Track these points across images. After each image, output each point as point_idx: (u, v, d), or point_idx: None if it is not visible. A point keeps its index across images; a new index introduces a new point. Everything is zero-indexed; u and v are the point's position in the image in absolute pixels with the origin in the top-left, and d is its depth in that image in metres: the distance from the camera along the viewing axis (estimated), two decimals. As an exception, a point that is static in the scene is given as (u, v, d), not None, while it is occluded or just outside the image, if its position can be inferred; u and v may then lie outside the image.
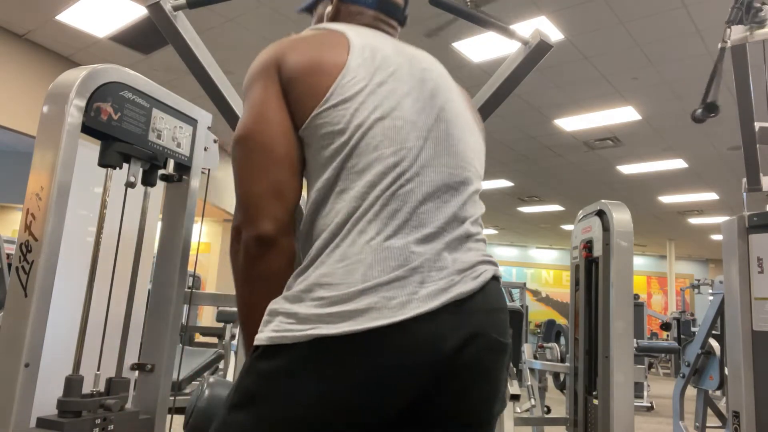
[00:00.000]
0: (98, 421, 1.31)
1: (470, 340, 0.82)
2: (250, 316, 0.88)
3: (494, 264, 0.92)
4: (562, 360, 3.66)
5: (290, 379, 0.77)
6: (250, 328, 0.87)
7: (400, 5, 1.10)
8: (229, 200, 8.24)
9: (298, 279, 0.84)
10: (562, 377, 3.90)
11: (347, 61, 0.90)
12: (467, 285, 0.84)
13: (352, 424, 0.78)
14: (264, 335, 0.80)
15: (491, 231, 14.35)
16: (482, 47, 4.82)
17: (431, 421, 0.83)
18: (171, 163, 1.54)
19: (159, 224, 1.65)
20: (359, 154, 0.86)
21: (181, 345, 1.68)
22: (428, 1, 1.46)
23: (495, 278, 0.90)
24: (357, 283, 0.79)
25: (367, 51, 0.94)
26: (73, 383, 1.30)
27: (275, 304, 0.83)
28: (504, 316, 0.89)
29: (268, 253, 0.85)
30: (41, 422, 1.24)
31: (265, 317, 0.83)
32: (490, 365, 0.85)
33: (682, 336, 8.16)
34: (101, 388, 1.38)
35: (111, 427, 1.33)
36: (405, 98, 0.92)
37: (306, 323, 0.78)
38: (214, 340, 3.98)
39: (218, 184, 8.01)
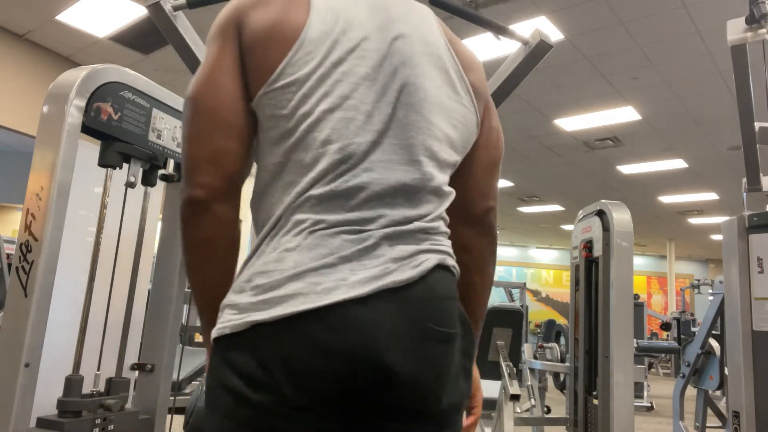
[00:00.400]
0: (98, 421, 1.31)
1: (406, 329, 0.80)
2: (194, 287, 0.89)
3: (443, 253, 0.87)
4: (562, 360, 3.66)
5: (228, 367, 0.79)
6: (197, 301, 0.89)
7: None
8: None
9: (243, 269, 0.84)
10: (562, 377, 3.90)
11: (302, 33, 0.84)
12: (404, 273, 0.81)
13: (290, 410, 0.78)
14: (214, 330, 0.82)
15: (491, 231, 14.35)
16: (482, 47, 4.82)
17: (382, 413, 0.82)
18: (171, 163, 1.54)
19: (159, 224, 1.65)
20: (306, 148, 0.84)
21: (181, 345, 1.68)
22: (428, 1, 1.46)
23: (441, 267, 0.85)
24: (288, 270, 0.79)
25: (330, 16, 0.86)
26: (73, 383, 1.30)
27: (225, 299, 0.84)
28: (448, 305, 0.85)
29: (197, 218, 0.84)
30: (41, 422, 1.24)
31: (219, 313, 0.84)
32: (429, 355, 0.82)
33: (682, 336, 8.16)
34: (101, 388, 1.38)
35: (111, 427, 1.33)
36: (362, 83, 0.86)
37: (244, 312, 0.79)
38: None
39: (218, 184, 8.00)
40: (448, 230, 0.92)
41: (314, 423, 0.79)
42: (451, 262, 0.88)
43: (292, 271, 0.79)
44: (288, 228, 0.82)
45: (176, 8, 1.53)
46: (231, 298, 0.82)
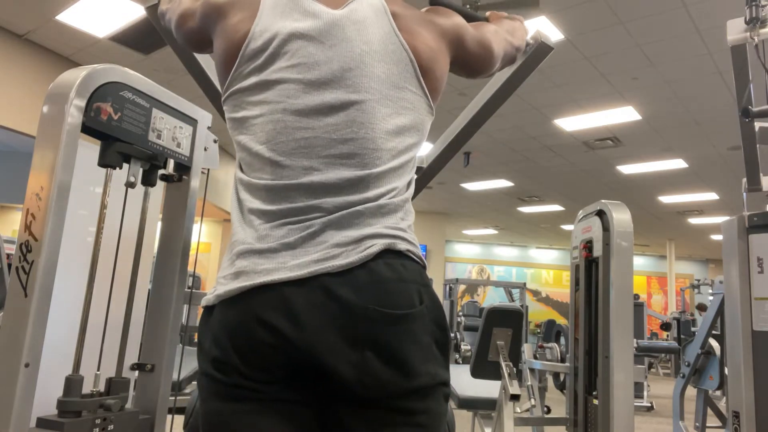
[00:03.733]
0: (98, 421, 1.31)
1: (343, 313, 0.82)
2: None
3: (394, 237, 0.88)
4: (562, 360, 3.66)
5: (200, 337, 0.90)
6: None
7: None
8: (229, 200, 8.23)
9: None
10: (562, 377, 3.90)
11: (243, 47, 0.94)
12: (348, 258, 0.84)
13: (258, 384, 0.83)
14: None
15: (491, 231, 14.36)
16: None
17: (337, 398, 0.84)
18: (171, 163, 1.54)
19: (159, 224, 1.65)
20: (253, 157, 0.93)
21: (181, 345, 1.68)
22: (429, 1, 1.46)
23: (389, 251, 0.87)
24: (238, 245, 0.90)
25: (267, 34, 0.94)
26: (73, 383, 1.30)
27: None
28: (396, 287, 0.85)
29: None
30: (41, 422, 1.24)
31: None
32: (377, 338, 0.82)
33: (682, 336, 8.16)
34: (101, 388, 1.38)
35: (111, 427, 1.33)
36: (298, 94, 0.91)
37: (215, 287, 0.90)
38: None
39: (218, 183, 8.01)
40: (407, 207, 0.95)
41: (286, 395, 0.83)
42: (402, 246, 0.89)
43: (241, 247, 0.89)
44: (245, 214, 0.92)
45: None
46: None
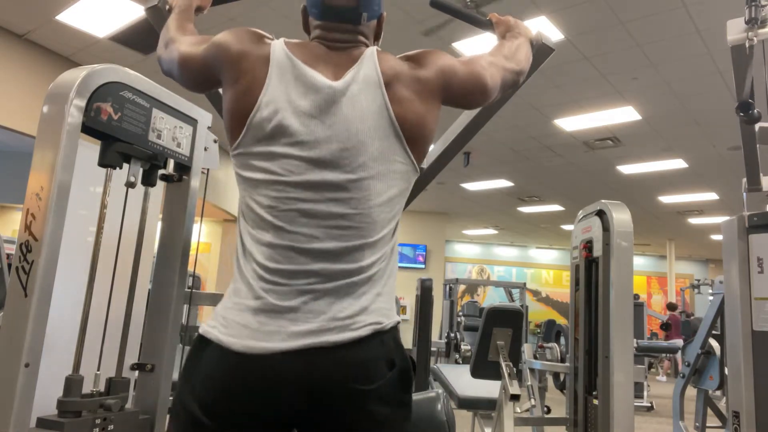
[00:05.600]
0: (98, 421, 1.31)
1: (332, 387, 0.92)
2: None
3: (381, 315, 0.98)
4: (562, 360, 3.66)
5: (189, 367, 0.99)
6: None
7: (345, 6, 1.06)
8: (229, 200, 8.23)
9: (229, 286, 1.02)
10: (562, 377, 3.90)
11: (250, 116, 1.00)
12: (341, 334, 0.93)
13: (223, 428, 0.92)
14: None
15: (491, 231, 14.35)
16: (482, 47, 4.82)
17: None
18: (171, 163, 1.54)
19: (159, 224, 1.65)
20: (256, 216, 0.99)
21: (181, 345, 1.68)
22: (429, 4, 1.45)
23: (377, 332, 0.96)
24: (241, 294, 0.98)
25: (273, 106, 1.00)
26: (73, 383, 1.30)
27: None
28: (373, 367, 0.95)
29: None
30: (41, 422, 1.24)
31: None
32: (349, 410, 0.93)
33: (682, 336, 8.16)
34: (101, 388, 1.38)
35: (111, 427, 1.33)
36: (300, 170, 0.98)
37: (217, 319, 0.99)
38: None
39: (218, 184, 8.00)
40: (392, 265, 1.04)
41: None
42: (386, 322, 0.99)
43: (243, 301, 0.96)
44: (249, 263, 0.98)
45: (172, 8, 1.51)
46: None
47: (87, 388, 1.34)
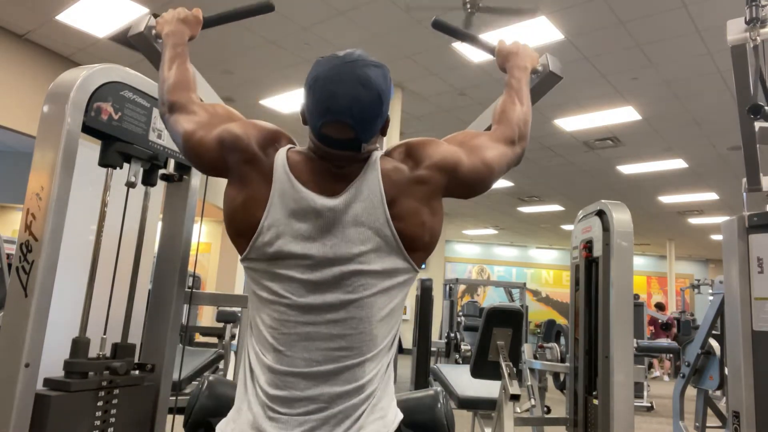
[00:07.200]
0: (104, 383, 1.31)
1: None
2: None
3: (381, 429, 0.98)
4: (562, 360, 3.66)
5: None
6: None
7: (344, 138, 0.98)
8: (229, 200, 8.21)
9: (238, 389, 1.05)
10: (562, 377, 3.89)
11: (254, 238, 1.00)
12: None
13: None
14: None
15: (491, 231, 14.35)
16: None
17: None
18: (171, 163, 1.54)
19: (159, 224, 1.65)
20: (259, 332, 1.01)
21: (181, 345, 1.68)
22: (431, 25, 1.44)
23: None
24: (245, 414, 0.99)
25: (274, 230, 1.00)
26: (80, 345, 1.30)
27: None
28: None
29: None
30: (48, 382, 1.24)
31: None
32: None
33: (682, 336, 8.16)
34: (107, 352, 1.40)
35: (117, 391, 1.33)
36: (301, 292, 0.99)
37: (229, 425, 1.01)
38: (214, 340, 3.98)
39: (218, 183, 7.99)
40: (389, 373, 1.04)
41: None
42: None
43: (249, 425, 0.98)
44: (253, 380, 1.00)
45: (160, 36, 1.33)
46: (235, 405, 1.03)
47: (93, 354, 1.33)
